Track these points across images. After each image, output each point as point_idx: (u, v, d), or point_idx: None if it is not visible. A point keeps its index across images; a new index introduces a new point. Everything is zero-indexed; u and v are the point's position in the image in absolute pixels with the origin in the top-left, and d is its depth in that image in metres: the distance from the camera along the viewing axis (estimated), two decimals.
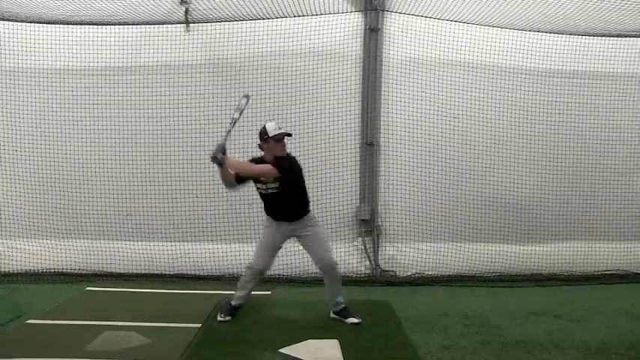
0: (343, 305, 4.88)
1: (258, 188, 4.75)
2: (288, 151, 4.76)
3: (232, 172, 4.59)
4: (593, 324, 4.89)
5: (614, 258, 6.84)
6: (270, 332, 4.59)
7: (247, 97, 4.79)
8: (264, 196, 4.76)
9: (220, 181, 4.72)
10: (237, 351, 4.18)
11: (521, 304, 5.55)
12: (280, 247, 4.92)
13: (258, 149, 4.75)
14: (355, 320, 4.80)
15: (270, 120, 4.90)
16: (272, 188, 4.65)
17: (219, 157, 4.46)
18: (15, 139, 6.58)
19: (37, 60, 6.46)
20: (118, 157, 6.57)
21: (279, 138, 4.64)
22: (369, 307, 5.19)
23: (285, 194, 4.65)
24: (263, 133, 4.64)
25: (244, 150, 5.51)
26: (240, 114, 4.73)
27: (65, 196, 6.60)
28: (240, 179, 4.67)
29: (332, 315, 4.92)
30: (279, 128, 4.66)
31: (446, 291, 6.12)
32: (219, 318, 4.84)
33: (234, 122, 4.69)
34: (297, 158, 4.73)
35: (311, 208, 4.89)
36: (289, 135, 4.74)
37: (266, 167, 4.58)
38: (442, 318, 5.03)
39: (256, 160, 4.73)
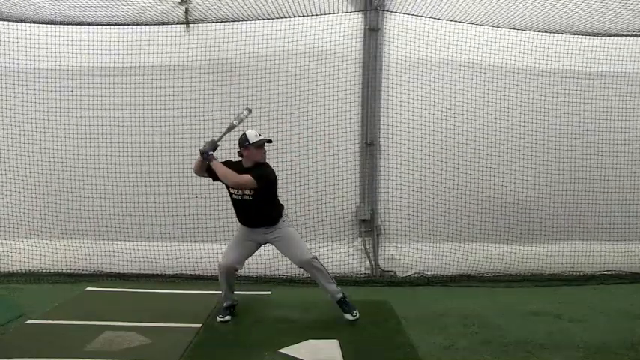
0: (340, 296, 4.84)
1: (231, 194, 4.74)
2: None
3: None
4: (593, 324, 4.89)
5: (614, 258, 6.83)
6: (270, 332, 4.59)
7: (249, 110, 4.84)
8: (236, 202, 4.75)
9: (196, 169, 4.76)
10: (237, 351, 4.18)
11: (521, 304, 5.54)
12: (254, 251, 4.91)
13: (238, 156, 4.77)
14: (351, 317, 4.78)
15: (249, 128, 4.89)
16: (246, 195, 4.65)
17: (208, 154, 4.55)
18: (15, 139, 6.57)
19: (37, 60, 6.45)
20: (118, 157, 6.57)
21: (260, 145, 4.67)
22: (369, 307, 5.18)
23: (258, 202, 4.65)
24: (243, 140, 4.66)
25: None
26: (239, 123, 4.77)
27: (65, 196, 6.60)
28: (212, 175, 4.71)
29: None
30: (259, 135, 4.69)
31: (446, 291, 6.12)
32: (218, 319, 4.85)
33: (230, 128, 4.73)
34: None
35: (285, 211, 4.89)
36: (270, 142, 4.76)
37: (245, 178, 4.53)
38: (442, 318, 5.02)
39: (234, 165, 4.70)
